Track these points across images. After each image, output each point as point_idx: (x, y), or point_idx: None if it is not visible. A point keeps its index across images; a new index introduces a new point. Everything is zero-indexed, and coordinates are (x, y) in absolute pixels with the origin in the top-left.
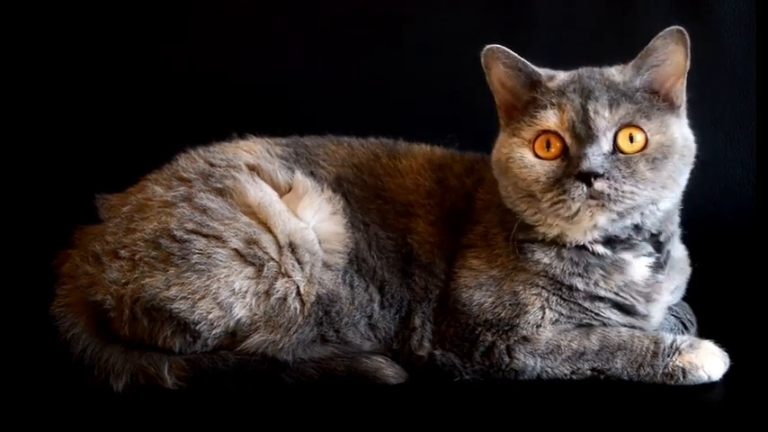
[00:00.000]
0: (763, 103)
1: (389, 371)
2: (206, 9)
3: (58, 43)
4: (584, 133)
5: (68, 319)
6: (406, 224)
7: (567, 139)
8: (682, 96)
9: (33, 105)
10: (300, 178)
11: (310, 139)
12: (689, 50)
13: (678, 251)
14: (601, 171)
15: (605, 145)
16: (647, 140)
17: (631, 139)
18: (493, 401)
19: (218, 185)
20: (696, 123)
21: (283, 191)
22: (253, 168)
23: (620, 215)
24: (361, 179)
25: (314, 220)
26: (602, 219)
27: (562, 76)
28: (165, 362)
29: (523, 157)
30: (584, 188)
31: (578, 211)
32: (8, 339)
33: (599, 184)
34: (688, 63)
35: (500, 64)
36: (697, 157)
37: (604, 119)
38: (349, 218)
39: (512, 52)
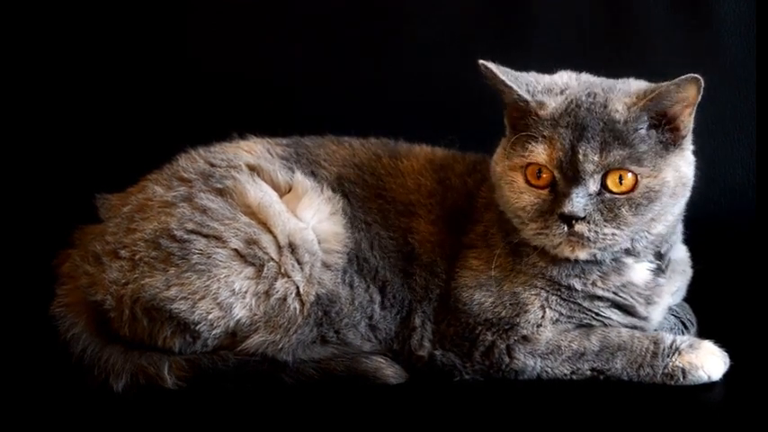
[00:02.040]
0: (763, 103)
1: (389, 371)
2: (206, 9)
3: (57, 43)
4: (570, 174)
5: (68, 319)
6: (408, 224)
7: (556, 174)
8: (689, 127)
9: (33, 105)
10: (300, 178)
11: (311, 139)
12: (702, 90)
13: (680, 253)
14: (582, 215)
15: (592, 186)
16: (636, 181)
17: (621, 179)
18: (493, 401)
19: (219, 186)
20: (696, 123)
21: (283, 191)
22: (253, 168)
23: (602, 250)
24: (362, 179)
25: (313, 220)
26: (583, 254)
27: (557, 102)
28: (165, 362)
29: (514, 182)
30: (565, 228)
31: (559, 244)
32: (8, 339)
33: (579, 227)
34: (699, 97)
35: (488, 81)
36: (696, 156)
37: (593, 163)
38: (349, 218)
39: (498, 73)
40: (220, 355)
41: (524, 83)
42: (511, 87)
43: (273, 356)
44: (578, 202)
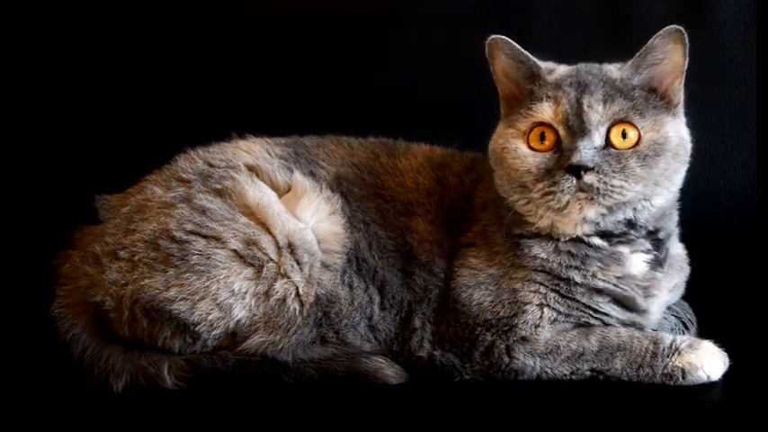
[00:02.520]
0: (763, 103)
1: (389, 371)
2: (206, 9)
3: (57, 43)
4: (576, 126)
5: (68, 319)
6: (406, 223)
7: (561, 132)
8: (679, 95)
9: (33, 105)
10: (299, 178)
11: (310, 138)
12: (687, 50)
13: (677, 249)
14: (591, 165)
15: (597, 139)
16: (639, 137)
17: (624, 135)
18: (493, 401)
19: (218, 186)
20: (696, 123)
21: (282, 191)
22: (252, 169)
23: (610, 210)
24: (360, 178)
25: (312, 220)
26: (591, 212)
27: (561, 69)
28: (165, 362)
29: (517, 149)
30: (574, 181)
31: (567, 203)
32: (8, 339)
33: (588, 178)
34: (686, 62)
35: (503, 54)
36: (696, 156)
37: (597, 113)
38: (348, 217)
39: (515, 44)
40: (220, 356)
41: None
42: (527, 56)
43: (273, 357)
44: (586, 152)
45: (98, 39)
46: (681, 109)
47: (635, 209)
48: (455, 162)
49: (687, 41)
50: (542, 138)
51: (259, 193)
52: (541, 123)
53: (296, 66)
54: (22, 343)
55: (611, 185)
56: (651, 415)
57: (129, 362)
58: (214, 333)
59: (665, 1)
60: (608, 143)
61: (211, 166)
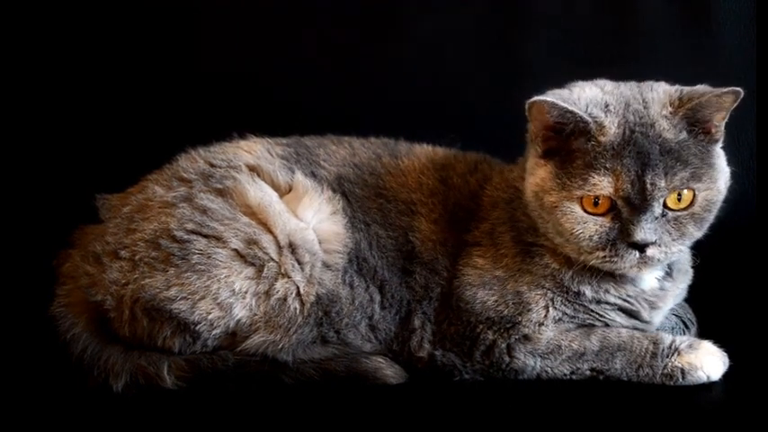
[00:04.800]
0: (763, 103)
1: (389, 371)
2: (206, 9)
3: (57, 43)
4: (638, 202)
5: (68, 319)
6: (409, 222)
7: (620, 204)
8: (721, 130)
9: (33, 105)
10: (300, 178)
11: (311, 138)
12: (739, 100)
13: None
14: (654, 239)
15: (657, 209)
16: (694, 196)
17: (679, 196)
18: (493, 401)
19: (219, 186)
20: None
21: (283, 191)
22: (253, 169)
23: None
24: (362, 178)
25: (314, 220)
26: (647, 272)
27: (614, 128)
28: (165, 362)
29: (573, 212)
30: (638, 254)
31: (627, 269)
32: (8, 339)
33: (651, 251)
34: (734, 105)
35: (549, 117)
36: None
37: (660, 189)
38: (349, 217)
39: (562, 103)
40: (220, 356)
41: (582, 104)
42: (575, 113)
43: (273, 356)
44: (649, 228)
45: (98, 39)
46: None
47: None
48: (458, 163)
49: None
50: (596, 201)
51: (260, 193)
52: (602, 195)
53: (296, 66)
54: (22, 343)
55: (671, 252)
56: (651, 415)
57: (128, 361)
58: (214, 332)
59: (666, 1)
60: (665, 206)
61: (212, 165)
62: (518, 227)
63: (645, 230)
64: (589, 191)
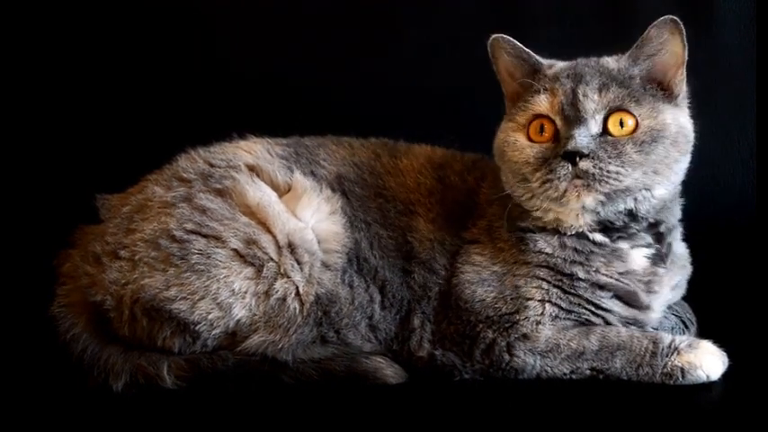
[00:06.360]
0: (763, 103)
1: (389, 371)
2: (206, 9)
3: (58, 43)
4: (572, 115)
5: (68, 319)
6: (407, 222)
7: (558, 122)
8: (681, 86)
9: (33, 105)
10: (299, 178)
11: (311, 139)
12: (685, 40)
13: (680, 248)
14: (586, 151)
15: (594, 127)
16: (637, 125)
17: (621, 124)
18: (493, 401)
19: (218, 186)
20: (696, 124)
21: (283, 191)
22: (252, 169)
23: (608, 197)
24: (361, 178)
25: (313, 219)
26: (589, 199)
27: (561, 64)
28: (165, 362)
29: (517, 141)
30: (570, 167)
31: (565, 191)
32: (8, 339)
33: (584, 164)
34: (686, 52)
35: (505, 53)
36: (696, 156)
37: (593, 101)
38: (349, 217)
39: (517, 42)
40: (220, 355)
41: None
42: (529, 53)
43: (273, 356)
44: (582, 139)
45: (99, 39)
46: (684, 100)
47: (635, 199)
48: (456, 162)
49: (684, 30)
50: (542, 130)
51: (259, 193)
52: (539, 115)
53: (296, 66)
54: (22, 343)
55: (608, 171)
56: (651, 415)
57: (128, 361)
58: (214, 332)
59: (666, 1)
60: (606, 131)
61: (212, 165)
62: (512, 216)
63: (576, 140)
64: (529, 111)
